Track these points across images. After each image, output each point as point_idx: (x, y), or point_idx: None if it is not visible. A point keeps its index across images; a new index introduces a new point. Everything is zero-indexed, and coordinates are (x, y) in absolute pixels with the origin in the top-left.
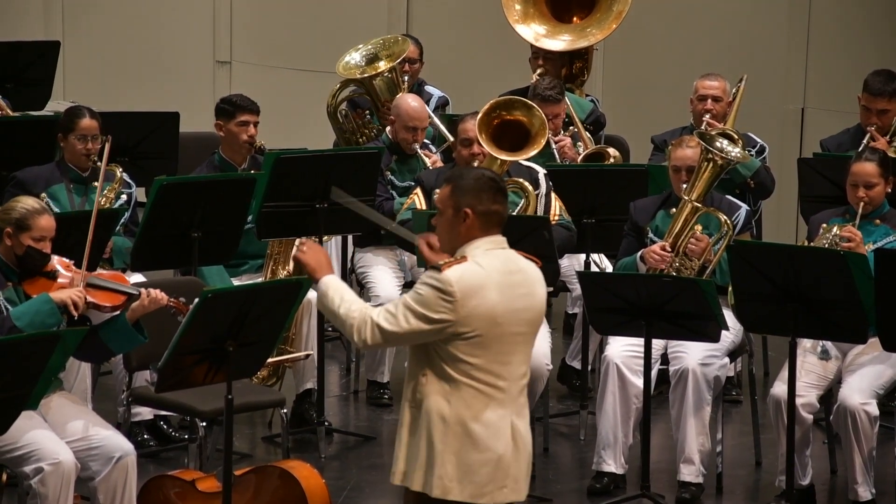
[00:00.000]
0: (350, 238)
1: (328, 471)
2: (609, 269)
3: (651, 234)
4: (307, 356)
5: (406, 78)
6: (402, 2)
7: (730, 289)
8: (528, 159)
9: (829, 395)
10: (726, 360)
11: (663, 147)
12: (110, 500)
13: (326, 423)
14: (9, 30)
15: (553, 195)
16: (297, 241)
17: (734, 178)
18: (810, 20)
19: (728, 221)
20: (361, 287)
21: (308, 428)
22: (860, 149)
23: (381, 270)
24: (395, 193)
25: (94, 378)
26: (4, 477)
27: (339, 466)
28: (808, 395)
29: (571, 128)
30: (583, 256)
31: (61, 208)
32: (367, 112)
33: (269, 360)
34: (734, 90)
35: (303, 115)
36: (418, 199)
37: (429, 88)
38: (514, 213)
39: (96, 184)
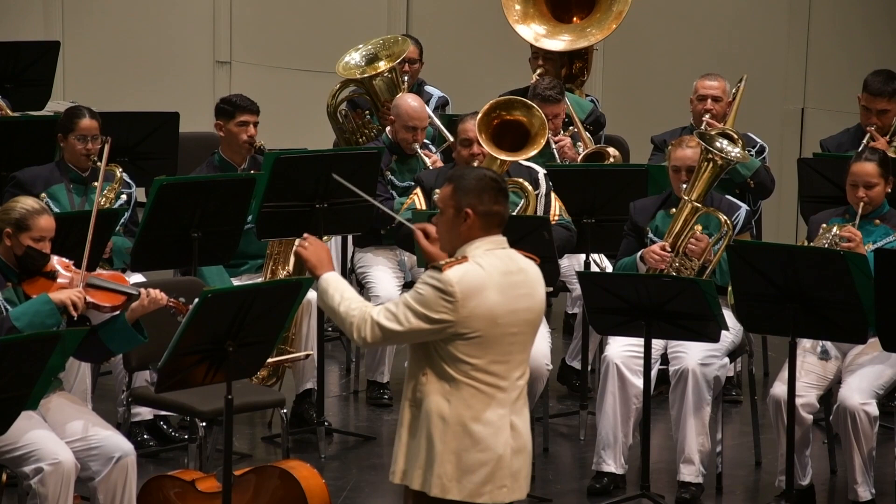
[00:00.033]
0: (350, 238)
1: (328, 471)
2: (609, 269)
3: (651, 234)
4: (307, 356)
5: (406, 78)
6: (402, 2)
7: (730, 289)
8: (527, 159)
9: (829, 395)
10: (726, 360)
11: (663, 147)
12: (110, 501)
13: (326, 424)
14: (9, 30)
15: (553, 195)
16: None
17: (734, 178)
18: (810, 21)
19: (728, 221)
20: (361, 287)
21: (308, 428)
22: (860, 149)
23: (381, 270)
24: (395, 193)
25: (94, 378)
26: (4, 477)
27: (339, 466)
28: (807, 395)
29: (571, 128)
30: (583, 256)
31: (61, 208)
32: (367, 112)
33: (269, 360)
34: (734, 90)
35: (303, 115)
36: (418, 199)
37: (429, 88)
38: (514, 213)
39: (96, 184)
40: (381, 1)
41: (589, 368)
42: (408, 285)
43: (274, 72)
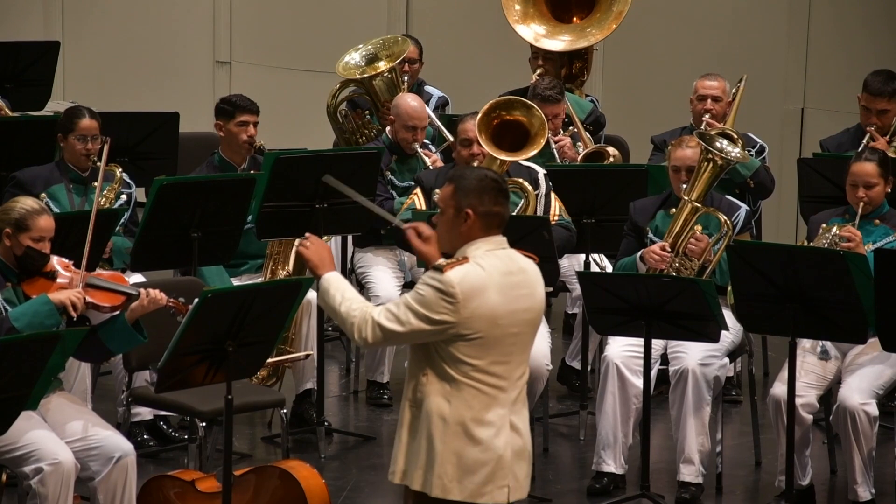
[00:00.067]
0: (350, 238)
1: (328, 471)
2: (609, 269)
3: (651, 235)
4: (307, 356)
5: (406, 78)
6: (402, 2)
7: (729, 289)
8: (527, 159)
9: (829, 395)
10: (726, 360)
11: (663, 147)
12: (110, 501)
13: (326, 424)
14: (9, 30)
15: (553, 195)
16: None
17: (734, 178)
18: (809, 20)
19: (728, 221)
20: (361, 287)
21: (308, 428)
22: (860, 149)
23: (381, 270)
24: (394, 193)
25: (93, 378)
26: (4, 477)
27: (339, 466)
28: (807, 395)
29: (571, 128)
30: (582, 256)
31: (61, 208)
32: (367, 112)
33: (269, 360)
34: (734, 90)
35: (303, 115)
36: (418, 199)
37: (429, 88)
38: (514, 213)
39: (96, 184)
40: (381, 1)
41: (589, 368)
42: (408, 285)
43: (274, 72)
